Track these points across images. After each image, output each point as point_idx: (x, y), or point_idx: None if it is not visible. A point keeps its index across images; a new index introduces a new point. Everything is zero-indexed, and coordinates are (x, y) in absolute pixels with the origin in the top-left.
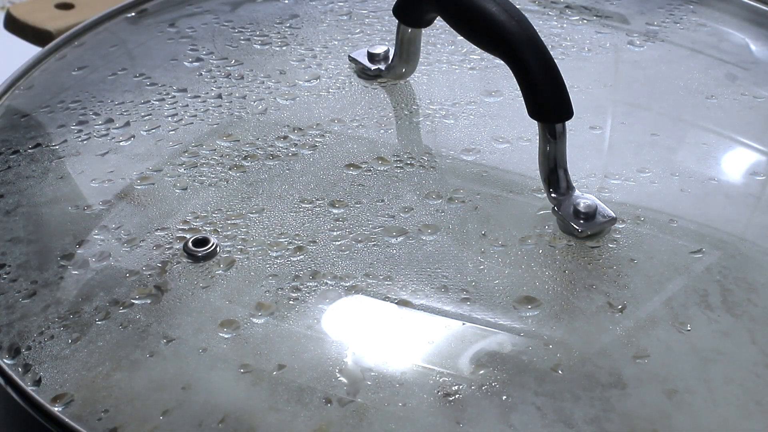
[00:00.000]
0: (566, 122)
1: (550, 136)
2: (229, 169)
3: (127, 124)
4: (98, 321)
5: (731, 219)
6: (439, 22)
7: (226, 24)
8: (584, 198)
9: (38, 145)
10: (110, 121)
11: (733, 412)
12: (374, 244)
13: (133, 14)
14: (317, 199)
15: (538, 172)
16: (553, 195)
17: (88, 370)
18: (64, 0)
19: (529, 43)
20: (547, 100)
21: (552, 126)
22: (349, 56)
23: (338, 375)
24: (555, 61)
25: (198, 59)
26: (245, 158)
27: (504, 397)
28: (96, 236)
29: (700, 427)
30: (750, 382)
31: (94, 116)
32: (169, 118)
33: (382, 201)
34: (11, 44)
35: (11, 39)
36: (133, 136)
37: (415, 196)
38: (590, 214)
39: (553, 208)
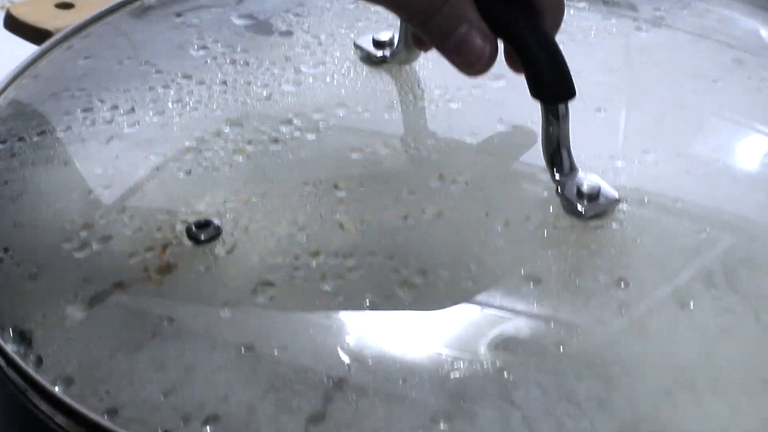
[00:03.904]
0: (570, 104)
1: (553, 116)
2: (234, 153)
3: (133, 110)
4: (100, 303)
5: (736, 199)
6: None
7: (232, 12)
8: (588, 179)
9: (43, 132)
10: (115, 108)
11: (738, 390)
12: (378, 226)
13: (137, 7)
14: (321, 183)
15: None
16: (556, 176)
17: (90, 352)
18: (64, 0)
19: (530, 25)
20: (549, 80)
21: (554, 106)
22: (355, 43)
23: (340, 355)
24: (557, 41)
25: (204, 47)
26: (250, 143)
27: (506, 376)
28: (99, 220)
29: (703, 405)
30: (755, 360)
31: (99, 103)
32: (175, 105)
33: (387, 183)
34: (11, 44)
35: (11, 39)
36: (138, 123)
37: (419, 179)
38: (594, 195)
39: (557, 188)
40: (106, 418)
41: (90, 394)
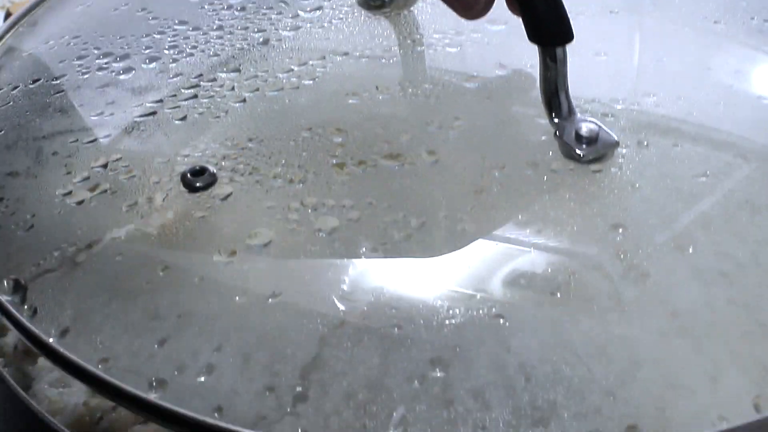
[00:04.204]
0: (570, 48)
1: (551, 60)
2: (230, 99)
3: (128, 57)
4: (95, 252)
5: (736, 143)
6: None
7: None
8: (586, 122)
9: (38, 80)
10: (111, 54)
11: (736, 333)
12: (375, 172)
13: None
14: (318, 128)
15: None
16: (555, 119)
17: (84, 301)
18: None
19: None
20: (546, 23)
21: (552, 50)
22: None
23: (335, 301)
24: None
25: None
26: (246, 89)
27: (502, 321)
28: (94, 168)
29: (701, 348)
30: (753, 303)
31: (94, 50)
32: (170, 51)
33: (384, 128)
34: None
35: None
36: (134, 69)
37: (416, 124)
38: (592, 138)
39: (555, 132)
40: (100, 367)
41: (84, 343)
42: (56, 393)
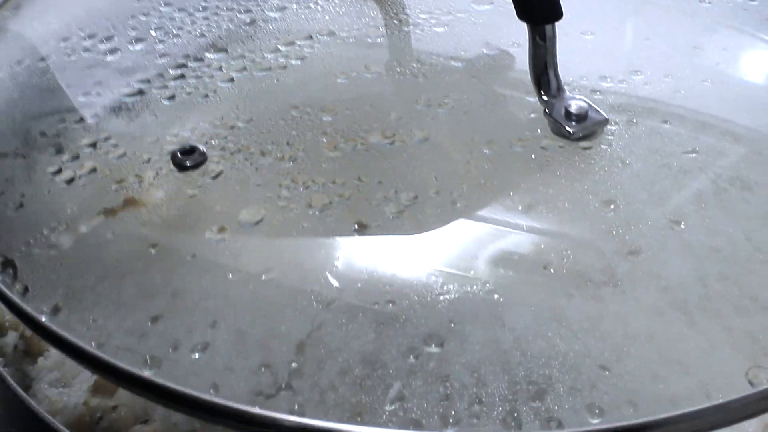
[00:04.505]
0: (557, 26)
1: (540, 38)
2: (218, 79)
3: (114, 38)
4: (86, 230)
5: (725, 120)
6: None
7: None
8: (575, 100)
9: (23, 61)
10: (96, 36)
11: (728, 308)
12: (365, 150)
13: None
14: (307, 107)
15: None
16: (544, 97)
17: (76, 280)
18: None
19: None
20: (536, 1)
21: (541, 28)
22: None
23: (329, 278)
24: None
25: None
26: (234, 69)
27: (496, 297)
28: (84, 149)
29: (693, 323)
30: (744, 278)
31: (80, 32)
32: (156, 32)
33: (373, 107)
34: None
35: None
36: (121, 50)
37: (405, 102)
38: (582, 116)
39: (545, 110)
40: (93, 346)
41: (77, 322)
42: (56, 393)
